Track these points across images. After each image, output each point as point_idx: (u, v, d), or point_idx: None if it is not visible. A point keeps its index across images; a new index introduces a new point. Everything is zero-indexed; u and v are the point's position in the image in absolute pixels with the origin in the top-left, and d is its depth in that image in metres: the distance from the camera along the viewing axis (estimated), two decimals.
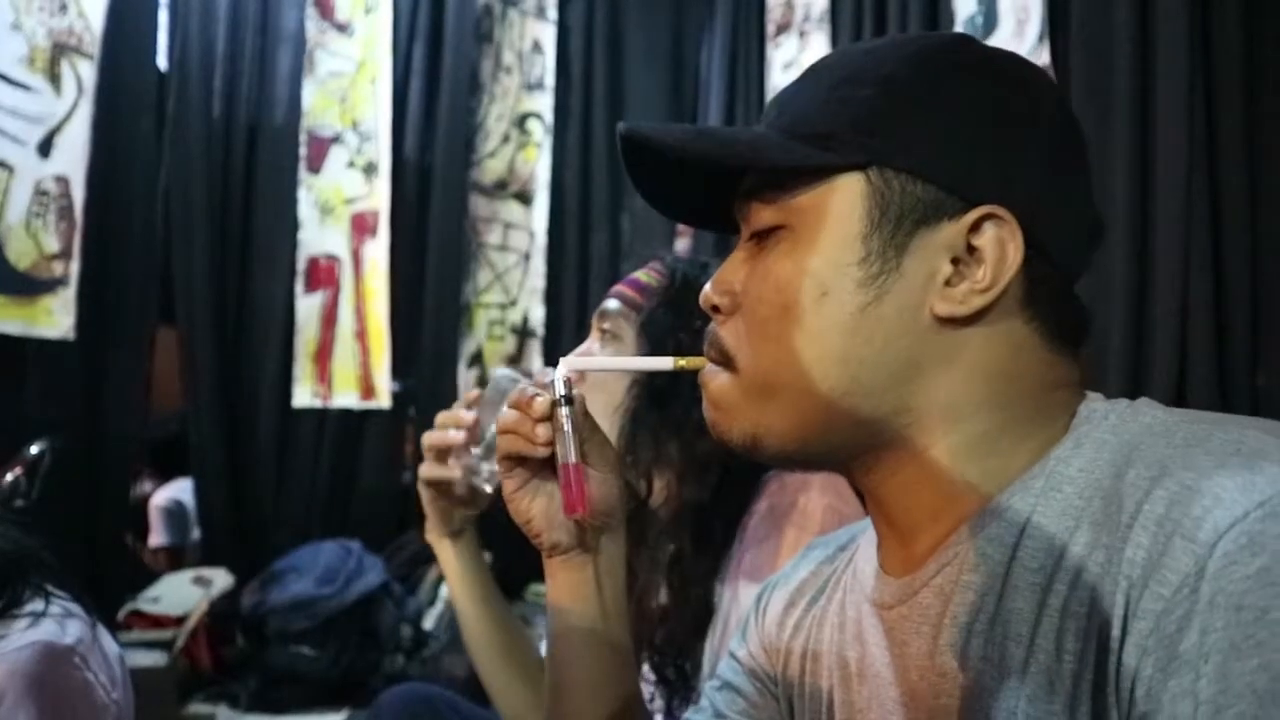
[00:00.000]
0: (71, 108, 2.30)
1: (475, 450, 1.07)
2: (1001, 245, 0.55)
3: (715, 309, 0.63)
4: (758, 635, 0.77)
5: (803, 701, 0.70)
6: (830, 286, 0.56)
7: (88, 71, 2.32)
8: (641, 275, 1.12)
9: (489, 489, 1.08)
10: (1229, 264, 1.67)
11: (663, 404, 1.04)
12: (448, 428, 1.08)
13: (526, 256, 3.32)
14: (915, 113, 0.56)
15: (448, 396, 2.96)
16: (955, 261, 0.55)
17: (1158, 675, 0.44)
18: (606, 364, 0.69)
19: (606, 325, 1.09)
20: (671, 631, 1.05)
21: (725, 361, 0.61)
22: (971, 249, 0.55)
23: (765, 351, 0.58)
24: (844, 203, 0.56)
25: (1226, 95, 1.67)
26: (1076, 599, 0.49)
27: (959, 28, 2.18)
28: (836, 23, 2.65)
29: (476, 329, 3.25)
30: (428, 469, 1.09)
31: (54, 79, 2.27)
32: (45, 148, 2.26)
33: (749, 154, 0.60)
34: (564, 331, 3.32)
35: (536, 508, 0.72)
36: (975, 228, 0.55)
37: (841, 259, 0.56)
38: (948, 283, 0.55)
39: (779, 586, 0.77)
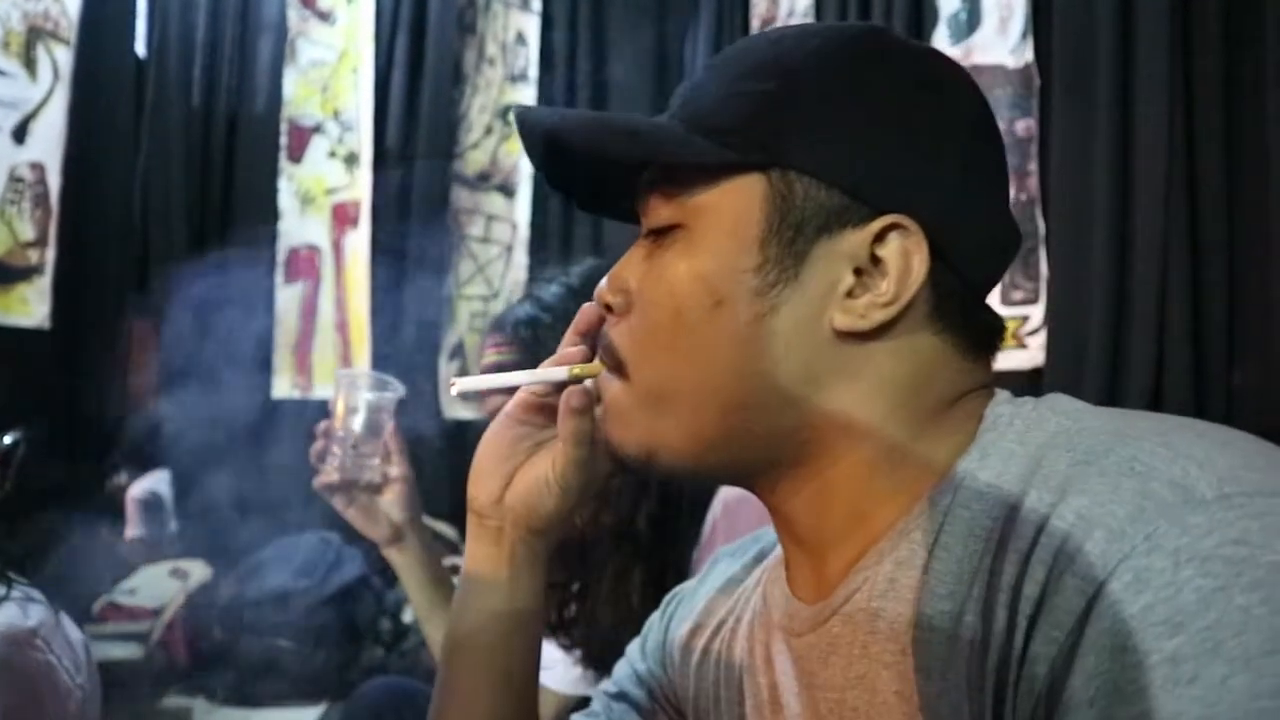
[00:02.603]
0: (47, 94, 2.27)
1: (335, 450, 1.12)
2: (906, 257, 0.51)
3: (609, 308, 0.59)
4: (660, 654, 0.74)
5: None
6: (724, 294, 0.52)
7: (64, 57, 2.29)
8: (493, 358, 1.13)
9: (363, 477, 1.12)
10: (1207, 263, 1.68)
11: None
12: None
13: (509, 249, 3.31)
14: (820, 112, 0.52)
15: (429, 389, 2.96)
16: (859, 272, 0.52)
17: None
18: (499, 381, 0.68)
19: None
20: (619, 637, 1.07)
21: (617, 367, 0.57)
22: (876, 259, 0.52)
23: (657, 360, 0.55)
24: (742, 205, 0.53)
25: (1206, 94, 1.69)
26: (984, 632, 0.46)
27: (942, 24, 2.19)
28: (821, 18, 2.65)
29: (458, 321, 3.23)
30: (316, 481, 1.12)
31: (29, 64, 2.24)
32: (20, 134, 2.23)
33: (646, 147, 0.56)
34: None
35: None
36: (880, 237, 0.51)
37: (737, 265, 0.52)
38: (850, 294, 0.52)
39: (684, 602, 0.74)
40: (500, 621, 0.67)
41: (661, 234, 0.56)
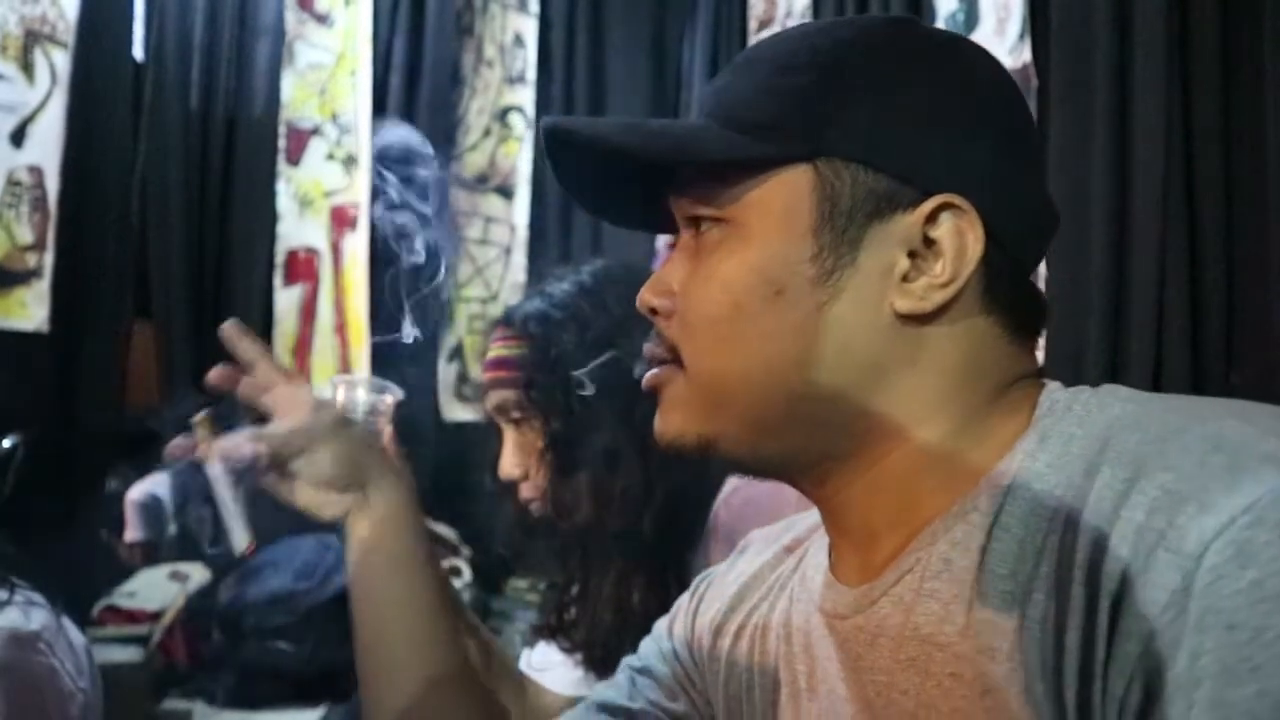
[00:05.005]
0: (45, 97, 2.27)
1: None
2: (960, 236, 0.51)
3: (654, 311, 0.59)
4: (688, 636, 0.73)
5: (743, 718, 0.67)
6: (784, 284, 0.53)
7: (62, 61, 2.29)
8: (500, 351, 1.11)
9: None
10: (1205, 261, 1.68)
11: (582, 444, 1.05)
12: None
13: (508, 251, 3.31)
14: (860, 99, 0.53)
15: (428, 391, 2.96)
16: (912, 255, 0.52)
17: (1147, 704, 0.41)
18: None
19: (516, 415, 1.09)
20: (621, 640, 1.07)
21: (674, 358, 0.58)
22: (929, 241, 0.52)
23: (716, 352, 0.55)
24: (791, 196, 0.53)
25: (1204, 93, 1.69)
26: (1058, 612, 0.45)
27: (940, 25, 2.19)
28: (818, 19, 2.65)
29: (457, 323, 3.23)
30: None
31: (27, 67, 2.24)
32: (18, 137, 2.23)
33: (686, 147, 0.56)
34: None
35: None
36: (931, 218, 0.52)
37: (791, 256, 0.53)
38: (905, 278, 0.52)
39: (714, 585, 0.73)
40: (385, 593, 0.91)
41: (704, 234, 0.56)
